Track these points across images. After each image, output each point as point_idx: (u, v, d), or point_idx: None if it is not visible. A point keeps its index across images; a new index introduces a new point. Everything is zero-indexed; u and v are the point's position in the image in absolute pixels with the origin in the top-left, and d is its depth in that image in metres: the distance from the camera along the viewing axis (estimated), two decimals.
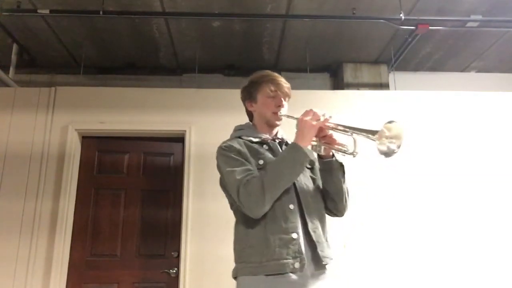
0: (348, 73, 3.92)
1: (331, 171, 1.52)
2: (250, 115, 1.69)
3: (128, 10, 3.06)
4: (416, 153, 3.36)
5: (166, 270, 3.22)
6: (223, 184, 1.53)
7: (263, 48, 3.69)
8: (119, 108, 3.39)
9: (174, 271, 3.18)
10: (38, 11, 2.94)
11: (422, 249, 3.14)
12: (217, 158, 1.52)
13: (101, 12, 2.91)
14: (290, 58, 3.85)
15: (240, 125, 1.67)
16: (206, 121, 3.32)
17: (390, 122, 1.33)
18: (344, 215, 1.61)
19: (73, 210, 3.23)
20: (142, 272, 3.24)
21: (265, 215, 1.40)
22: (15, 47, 3.55)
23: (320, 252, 1.42)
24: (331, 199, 1.55)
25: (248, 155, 1.49)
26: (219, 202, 3.08)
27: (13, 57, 3.55)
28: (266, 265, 1.37)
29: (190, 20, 3.25)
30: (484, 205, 3.26)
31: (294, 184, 1.47)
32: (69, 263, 3.13)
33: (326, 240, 1.50)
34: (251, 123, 1.67)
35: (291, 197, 1.45)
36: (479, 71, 4.16)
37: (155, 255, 3.31)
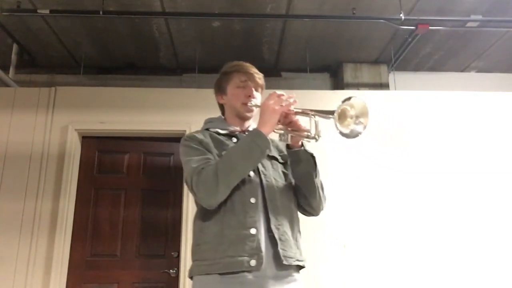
0: (348, 73, 3.92)
1: (300, 163, 1.39)
2: (221, 108, 1.61)
3: (128, 10, 3.05)
4: (416, 153, 3.36)
5: (166, 270, 3.22)
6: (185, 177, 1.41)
7: (263, 48, 3.69)
8: (119, 108, 3.39)
9: (174, 271, 3.18)
10: (38, 11, 2.94)
11: (422, 249, 3.14)
12: (180, 150, 1.44)
13: (101, 12, 2.91)
14: (290, 58, 3.85)
15: (211, 118, 1.59)
16: None
17: (348, 98, 1.21)
18: (320, 214, 1.49)
19: (73, 210, 3.23)
20: (142, 272, 3.24)
21: (223, 209, 1.30)
22: (15, 47, 3.55)
23: (281, 251, 1.28)
24: (303, 195, 1.43)
25: (211, 145, 1.40)
26: None
27: (13, 57, 3.55)
28: (220, 263, 1.26)
29: (190, 20, 3.25)
30: (484, 205, 3.26)
31: (260, 177, 1.37)
32: (69, 263, 3.13)
33: (296, 240, 1.37)
34: (222, 116, 1.59)
35: (253, 190, 1.34)
36: (479, 71, 4.16)
37: (155, 255, 3.31)
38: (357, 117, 1.23)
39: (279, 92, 1.34)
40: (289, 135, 1.38)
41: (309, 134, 1.32)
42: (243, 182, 1.33)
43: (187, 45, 3.62)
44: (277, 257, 1.29)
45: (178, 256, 3.17)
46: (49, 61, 3.84)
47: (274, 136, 1.42)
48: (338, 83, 4.00)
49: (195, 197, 1.35)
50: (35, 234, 3.05)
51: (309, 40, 3.57)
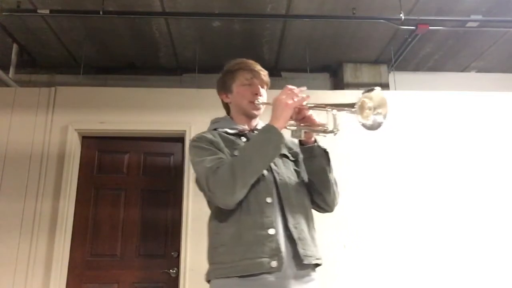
0: (348, 73, 3.92)
1: (314, 159, 1.37)
2: (226, 107, 1.58)
3: (128, 10, 3.06)
4: (416, 153, 3.36)
5: (166, 270, 3.22)
6: (197, 178, 1.38)
7: (263, 48, 3.69)
8: (119, 108, 3.39)
9: (174, 271, 3.18)
10: (38, 11, 2.94)
11: (422, 249, 3.14)
12: (189, 152, 1.40)
13: (101, 12, 2.91)
14: (290, 58, 3.85)
15: (217, 118, 1.56)
16: (206, 121, 3.24)
17: (368, 91, 1.20)
18: (334, 210, 1.46)
19: (73, 210, 3.23)
20: (142, 272, 3.24)
21: (239, 209, 1.27)
22: (15, 47, 3.54)
23: (301, 250, 1.27)
24: (317, 191, 1.41)
25: (222, 145, 1.36)
26: None
27: (13, 57, 3.54)
28: (238, 265, 1.22)
29: (190, 20, 3.25)
30: (484, 205, 3.25)
31: (273, 176, 1.34)
32: (69, 263, 3.13)
33: (312, 238, 1.36)
34: (228, 116, 1.56)
35: (269, 189, 1.31)
36: (479, 71, 4.16)
37: (155, 255, 3.31)
38: (375, 108, 1.21)
39: (290, 86, 1.32)
40: (303, 131, 1.34)
41: (325, 128, 1.30)
42: (257, 181, 1.30)
43: (187, 45, 3.62)
44: (296, 257, 1.27)
45: (178, 256, 3.17)
46: (49, 61, 3.84)
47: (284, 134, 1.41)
48: (338, 83, 4.01)
49: (211, 197, 1.29)
50: (35, 234, 3.05)
51: (309, 40, 3.57)
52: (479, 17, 3.17)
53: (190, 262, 3.06)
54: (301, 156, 1.44)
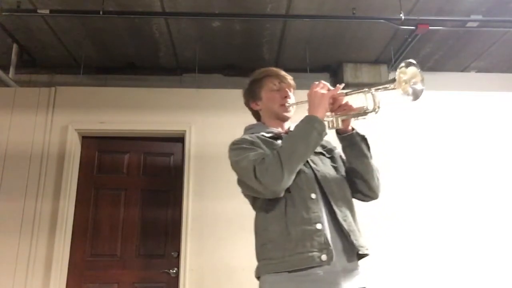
0: (348, 73, 3.92)
1: (354, 146, 1.41)
2: (257, 115, 1.61)
3: (128, 10, 3.06)
4: (416, 153, 3.36)
5: (166, 270, 3.22)
6: (240, 179, 1.41)
7: (263, 48, 3.69)
8: (119, 108, 3.39)
9: (174, 271, 3.18)
10: (38, 11, 2.94)
11: (423, 248, 3.14)
12: (229, 156, 1.41)
13: (101, 12, 2.91)
14: (290, 58, 3.84)
15: (250, 125, 1.59)
16: (206, 121, 3.32)
17: (400, 67, 1.26)
18: (379, 196, 1.49)
19: (73, 210, 3.23)
20: (142, 272, 3.24)
21: (285, 207, 1.31)
22: (15, 47, 3.54)
23: (354, 241, 1.32)
24: (361, 178, 1.44)
25: (262, 144, 1.40)
26: (219, 202, 3.11)
27: (13, 57, 3.55)
28: (288, 260, 1.26)
29: (190, 20, 3.25)
30: (483, 205, 3.26)
31: (314, 173, 1.38)
32: (69, 263, 3.13)
33: (359, 230, 1.39)
34: (260, 122, 1.59)
35: (311, 186, 1.35)
36: (479, 71, 4.16)
37: (155, 255, 3.31)
38: (410, 80, 1.26)
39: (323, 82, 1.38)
40: (340, 119, 1.38)
41: (365, 109, 1.34)
42: (300, 179, 1.34)
43: (187, 45, 3.62)
44: (346, 249, 1.31)
45: (178, 256, 3.17)
46: (49, 61, 3.84)
47: None
48: (338, 83, 3.97)
49: (259, 188, 1.29)
50: (35, 234, 3.06)
51: (309, 40, 3.57)
52: (479, 17, 3.17)
53: (190, 262, 3.06)
54: (336, 151, 1.51)
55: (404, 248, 3.14)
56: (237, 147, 1.41)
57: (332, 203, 1.35)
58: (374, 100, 1.32)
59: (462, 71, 4.15)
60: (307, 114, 1.36)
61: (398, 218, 3.20)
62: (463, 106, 3.54)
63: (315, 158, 1.44)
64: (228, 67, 3.98)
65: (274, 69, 1.59)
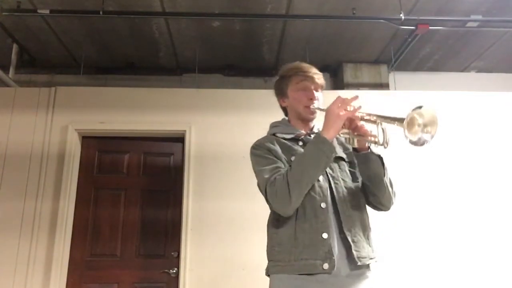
0: (348, 73, 3.92)
1: (368, 164, 1.43)
2: (284, 110, 1.64)
3: (128, 10, 3.05)
4: (416, 153, 3.35)
5: (166, 270, 3.22)
6: (258, 184, 1.49)
7: (263, 48, 3.69)
8: (119, 108, 3.39)
9: (174, 271, 3.18)
10: (38, 11, 2.94)
11: (422, 249, 3.14)
12: (250, 158, 1.49)
13: (101, 12, 2.91)
14: (290, 58, 3.83)
15: (276, 122, 1.62)
16: (206, 121, 3.32)
17: (418, 107, 1.21)
18: (391, 208, 1.53)
19: (73, 210, 3.23)
20: (142, 272, 3.24)
21: (295, 214, 1.37)
22: (15, 47, 3.55)
23: (355, 253, 1.35)
24: (372, 193, 1.48)
25: (279, 152, 1.45)
26: (219, 202, 3.11)
27: (13, 57, 3.55)
28: (294, 265, 1.34)
29: (190, 20, 3.25)
30: (483, 205, 3.26)
31: (328, 180, 1.42)
32: (69, 263, 3.13)
33: (368, 239, 1.44)
34: (286, 118, 1.63)
35: (323, 195, 1.40)
36: (479, 71, 4.16)
37: (155, 255, 3.31)
38: (425, 125, 1.24)
39: (343, 96, 1.37)
40: (355, 139, 1.41)
41: (376, 140, 1.35)
42: (313, 187, 1.38)
43: (187, 45, 3.62)
44: (350, 258, 1.36)
45: (178, 256, 3.17)
46: (49, 61, 3.84)
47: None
48: (338, 83, 4.00)
49: (271, 206, 1.41)
50: (35, 234, 3.05)
51: (309, 40, 3.57)
52: (479, 17, 3.17)
53: (190, 262, 3.06)
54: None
55: (405, 251, 3.14)
56: (257, 154, 1.47)
57: (340, 212, 1.39)
58: (384, 135, 1.32)
59: (462, 71, 4.15)
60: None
61: (398, 218, 3.20)
62: (463, 106, 3.54)
63: (333, 164, 1.48)
64: (228, 67, 3.98)
65: (304, 65, 1.60)
